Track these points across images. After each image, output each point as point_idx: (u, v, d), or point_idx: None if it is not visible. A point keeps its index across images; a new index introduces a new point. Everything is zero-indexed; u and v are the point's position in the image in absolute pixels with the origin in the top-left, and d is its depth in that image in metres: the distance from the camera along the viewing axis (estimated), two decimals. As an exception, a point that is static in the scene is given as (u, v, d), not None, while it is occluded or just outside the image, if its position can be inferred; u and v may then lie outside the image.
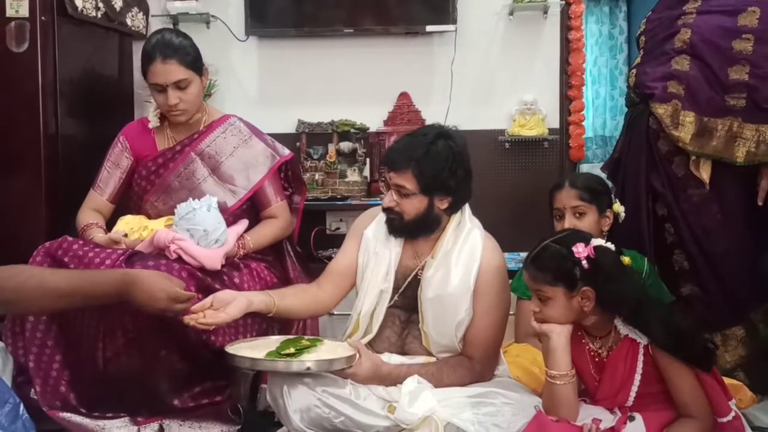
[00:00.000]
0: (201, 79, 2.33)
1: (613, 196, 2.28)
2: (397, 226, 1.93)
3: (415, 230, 1.94)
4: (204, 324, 1.81)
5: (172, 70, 2.24)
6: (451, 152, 1.88)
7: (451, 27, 3.13)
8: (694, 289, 2.39)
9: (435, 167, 1.86)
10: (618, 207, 2.24)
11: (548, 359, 1.72)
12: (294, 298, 2.00)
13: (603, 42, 5.99)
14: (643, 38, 2.54)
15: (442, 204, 1.91)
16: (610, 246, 1.72)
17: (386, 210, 1.93)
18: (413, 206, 1.89)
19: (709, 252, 2.34)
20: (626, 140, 2.56)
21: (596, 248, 1.68)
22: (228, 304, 1.85)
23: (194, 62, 2.29)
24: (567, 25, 3.19)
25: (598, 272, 1.66)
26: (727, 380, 1.80)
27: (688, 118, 2.33)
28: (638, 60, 2.53)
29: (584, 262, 1.66)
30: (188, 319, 1.80)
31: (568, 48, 3.19)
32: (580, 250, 1.66)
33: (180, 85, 2.25)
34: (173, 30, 2.39)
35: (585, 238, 1.72)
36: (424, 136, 1.90)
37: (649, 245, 2.40)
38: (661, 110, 2.35)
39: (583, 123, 3.25)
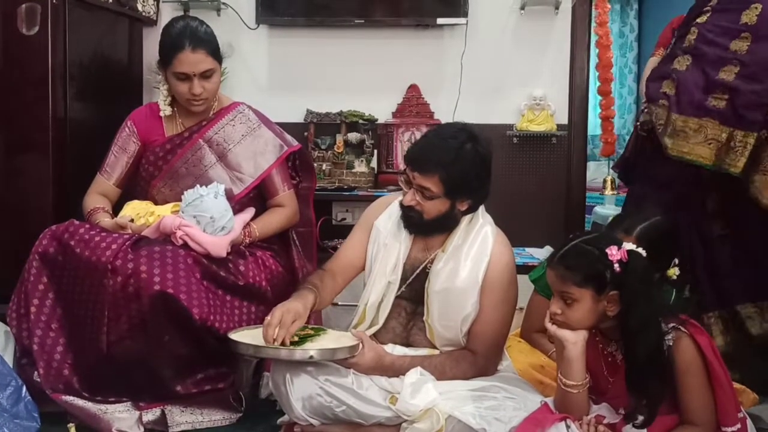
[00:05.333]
0: (220, 69, 2.33)
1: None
2: (416, 223, 1.92)
3: (433, 229, 1.94)
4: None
5: (201, 60, 2.24)
6: (479, 157, 1.87)
7: (462, 20, 3.12)
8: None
9: (462, 174, 1.84)
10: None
11: (563, 368, 1.70)
12: (325, 292, 1.98)
13: (614, 40, 5.97)
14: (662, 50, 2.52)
15: (463, 206, 1.91)
16: (643, 252, 1.67)
17: (406, 208, 1.92)
18: (435, 208, 1.88)
19: (709, 236, 2.32)
20: (638, 141, 2.53)
21: (629, 252, 1.64)
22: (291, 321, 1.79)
23: (218, 52, 2.30)
24: (585, 23, 3.18)
25: (629, 276, 1.63)
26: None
27: (679, 121, 2.27)
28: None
29: (616, 266, 1.62)
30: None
31: (587, 45, 3.18)
32: (614, 252, 1.63)
33: (205, 75, 2.26)
34: (194, 18, 2.38)
35: (617, 241, 1.68)
36: (453, 139, 1.86)
37: None
38: (649, 116, 2.33)
39: (612, 119, 3.22)
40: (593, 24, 3.53)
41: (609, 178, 3.14)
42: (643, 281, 1.64)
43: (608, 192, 3.13)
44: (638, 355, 1.62)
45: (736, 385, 2.01)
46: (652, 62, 2.64)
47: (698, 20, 2.35)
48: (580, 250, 1.67)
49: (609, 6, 3.18)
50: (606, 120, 3.17)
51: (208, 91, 2.29)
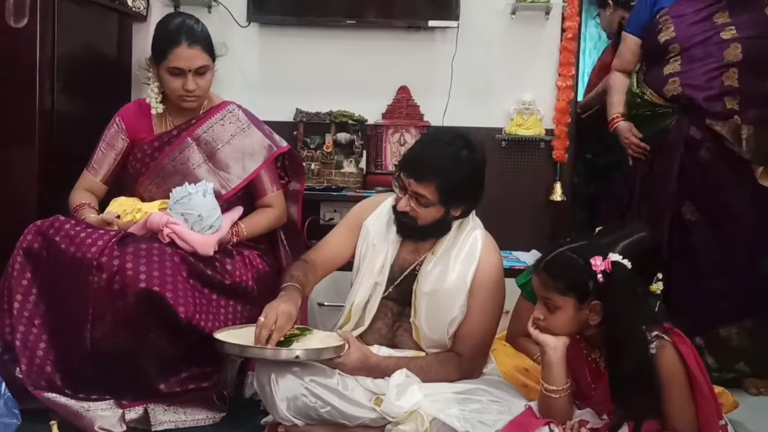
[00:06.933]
0: (214, 67, 2.32)
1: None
2: (409, 229, 1.93)
3: (427, 234, 1.95)
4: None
5: (196, 55, 2.24)
6: (475, 165, 1.89)
7: (453, 23, 3.12)
8: (724, 280, 2.46)
9: (459, 182, 1.86)
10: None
11: (544, 373, 1.71)
12: (309, 287, 2.00)
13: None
14: (677, 45, 2.49)
15: (456, 212, 1.93)
16: (627, 264, 1.67)
17: (400, 213, 1.92)
18: (429, 214, 1.89)
19: (743, 247, 2.44)
20: (653, 146, 2.58)
21: (614, 263, 1.64)
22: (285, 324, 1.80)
23: (212, 50, 2.31)
24: (582, 29, 3.20)
25: (612, 288, 1.63)
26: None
27: (747, 131, 2.40)
28: (676, 67, 2.49)
29: (600, 276, 1.63)
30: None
31: (579, 51, 3.20)
32: (598, 263, 1.63)
33: (200, 71, 2.26)
34: (190, 15, 2.39)
35: (602, 251, 1.68)
36: (450, 146, 1.87)
37: (668, 248, 2.47)
38: (719, 127, 2.42)
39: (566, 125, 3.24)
40: (583, 30, 3.55)
41: (558, 185, 3.19)
42: (626, 294, 1.64)
43: (557, 197, 3.17)
44: (621, 366, 1.63)
45: (717, 388, 2.03)
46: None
47: (729, 34, 2.43)
48: (565, 258, 1.68)
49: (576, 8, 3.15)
50: (560, 125, 3.18)
51: (201, 88, 2.29)
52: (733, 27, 2.44)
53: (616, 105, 2.71)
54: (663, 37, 2.52)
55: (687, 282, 2.46)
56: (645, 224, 2.25)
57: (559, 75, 3.16)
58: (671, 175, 2.49)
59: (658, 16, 2.55)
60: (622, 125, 2.67)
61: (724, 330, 2.49)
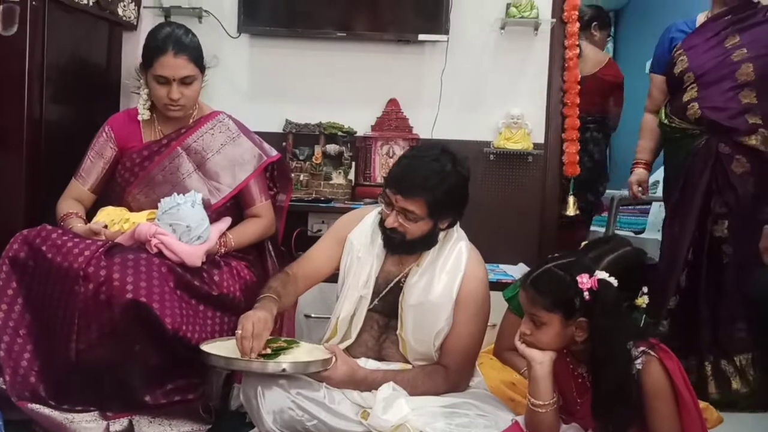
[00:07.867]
0: (202, 78, 2.33)
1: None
2: (398, 244, 1.94)
3: (415, 248, 1.96)
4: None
5: (182, 65, 2.24)
6: (461, 179, 1.91)
7: (443, 37, 3.15)
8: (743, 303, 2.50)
9: (447, 197, 1.88)
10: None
11: (530, 387, 1.71)
12: (287, 299, 2.01)
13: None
14: (691, 74, 2.62)
15: (443, 224, 1.95)
16: (614, 281, 1.68)
17: (389, 230, 1.92)
18: (418, 229, 1.90)
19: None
20: (684, 168, 2.66)
21: (600, 281, 1.66)
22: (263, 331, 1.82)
23: (200, 60, 2.31)
24: (562, 44, 3.23)
25: (597, 306, 1.64)
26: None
27: None
28: (693, 94, 2.62)
29: (586, 294, 1.64)
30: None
31: (563, 66, 3.23)
32: (584, 281, 1.64)
33: (185, 81, 2.26)
34: (181, 25, 2.39)
35: (590, 268, 1.69)
36: (436, 162, 1.88)
37: (684, 264, 2.57)
38: (753, 141, 2.52)
39: (577, 140, 3.29)
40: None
41: (571, 199, 3.23)
42: (612, 312, 1.65)
43: (570, 212, 3.22)
44: (604, 383, 1.64)
45: (701, 404, 2.05)
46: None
47: (740, 56, 2.53)
48: (552, 275, 1.69)
49: (577, 27, 3.21)
50: (569, 141, 3.22)
51: (187, 97, 2.29)
52: (744, 48, 2.54)
53: (641, 151, 2.93)
54: (677, 69, 2.66)
55: (706, 301, 2.52)
56: (628, 240, 2.27)
57: (566, 92, 3.20)
58: (699, 190, 2.57)
59: (673, 52, 2.70)
60: (637, 172, 2.92)
61: (737, 356, 2.52)
